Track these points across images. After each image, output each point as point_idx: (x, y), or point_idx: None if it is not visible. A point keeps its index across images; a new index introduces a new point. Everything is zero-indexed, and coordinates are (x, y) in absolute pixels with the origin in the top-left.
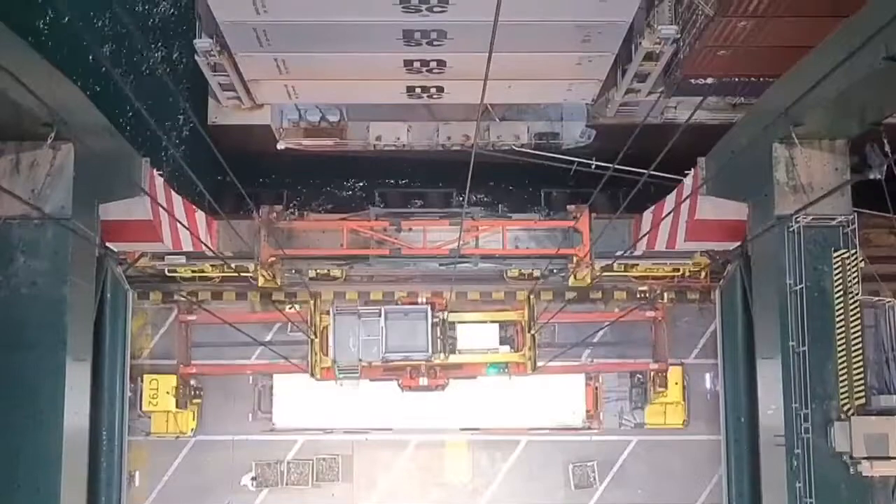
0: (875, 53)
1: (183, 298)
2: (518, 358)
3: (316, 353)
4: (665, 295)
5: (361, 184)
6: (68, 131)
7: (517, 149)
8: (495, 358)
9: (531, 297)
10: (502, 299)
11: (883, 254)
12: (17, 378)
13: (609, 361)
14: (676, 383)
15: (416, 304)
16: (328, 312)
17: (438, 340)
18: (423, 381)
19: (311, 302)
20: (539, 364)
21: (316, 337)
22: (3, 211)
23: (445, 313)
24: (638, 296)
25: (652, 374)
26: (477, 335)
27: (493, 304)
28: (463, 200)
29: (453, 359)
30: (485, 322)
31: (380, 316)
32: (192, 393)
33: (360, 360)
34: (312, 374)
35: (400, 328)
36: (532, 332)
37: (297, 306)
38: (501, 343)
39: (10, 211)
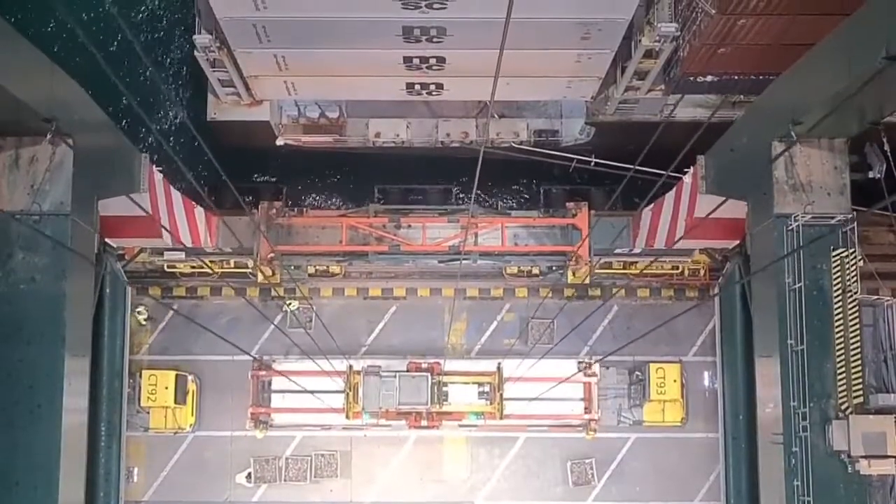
0: (875, 53)
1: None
2: (490, 408)
3: (350, 402)
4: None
5: (360, 180)
6: (68, 127)
7: (516, 146)
8: (474, 408)
9: (500, 366)
10: (501, 297)
11: (881, 252)
12: (15, 373)
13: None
14: (675, 381)
15: (421, 370)
16: (359, 373)
17: (435, 395)
18: (424, 423)
19: (347, 370)
20: (506, 412)
21: (350, 390)
22: (2, 206)
23: (440, 377)
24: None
25: (586, 420)
26: (462, 392)
27: (475, 370)
28: (464, 197)
29: (445, 408)
30: (468, 383)
31: (395, 377)
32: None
33: (381, 407)
34: (347, 417)
35: (409, 386)
36: (500, 391)
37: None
38: (479, 397)
39: (10, 206)
